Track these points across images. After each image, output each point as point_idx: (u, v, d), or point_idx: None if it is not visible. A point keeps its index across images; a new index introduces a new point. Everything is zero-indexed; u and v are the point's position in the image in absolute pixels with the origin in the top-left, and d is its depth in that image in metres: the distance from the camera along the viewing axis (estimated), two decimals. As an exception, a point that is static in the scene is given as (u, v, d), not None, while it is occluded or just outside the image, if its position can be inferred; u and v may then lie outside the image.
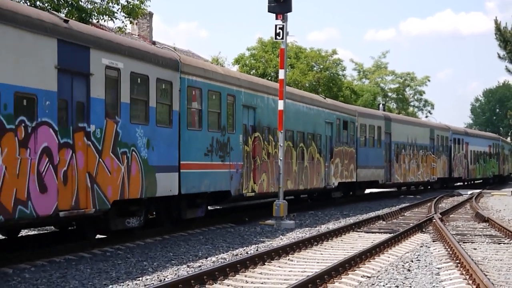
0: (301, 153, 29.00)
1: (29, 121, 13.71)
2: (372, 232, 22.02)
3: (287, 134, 26.51)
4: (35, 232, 19.84)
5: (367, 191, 42.38)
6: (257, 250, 17.14)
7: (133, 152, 17.20)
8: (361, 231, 22.22)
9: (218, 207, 28.76)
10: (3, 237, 17.70)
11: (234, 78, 23.56)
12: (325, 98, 34.32)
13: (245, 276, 13.58)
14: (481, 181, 66.55)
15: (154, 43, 41.21)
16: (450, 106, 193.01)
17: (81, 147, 15.26)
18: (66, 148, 14.80)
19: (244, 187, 23.58)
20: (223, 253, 16.72)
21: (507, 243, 19.44)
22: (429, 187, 51.85)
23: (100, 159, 15.85)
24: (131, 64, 17.13)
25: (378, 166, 39.57)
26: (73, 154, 14.99)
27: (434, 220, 23.90)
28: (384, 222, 25.46)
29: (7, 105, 13.11)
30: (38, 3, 22.99)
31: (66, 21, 15.25)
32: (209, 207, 23.71)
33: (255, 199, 26.83)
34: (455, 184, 58.54)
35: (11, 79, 13.27)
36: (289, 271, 14.34)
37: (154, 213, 21.00)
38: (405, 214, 29.43)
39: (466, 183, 60.64)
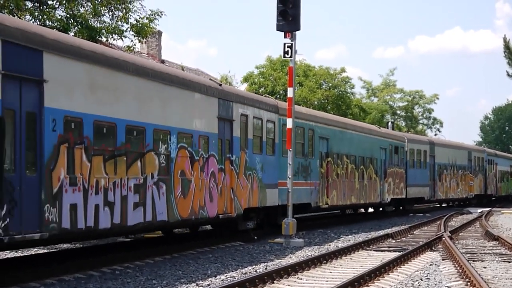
0: (361, 173, 35.00)
1: (205, 154, 20.28)
2: (382, 251, 21.97)
3: (351, 158, 33.53)
4: (45, 251, 19.87)
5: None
6: (266, 268, 17.11)
7: (254, 174, 23.72)
8: (371, 249, 22.17)
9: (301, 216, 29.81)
10: (18, 254, 17.74)
11: (313, 116, 30.30)
12: (379, 128, 41.35)
13: (254, 295, 13.56)
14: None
15: (163, 61, 41.37)
16: (459, 123, 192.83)
17: (228, 170, 21.82)
18: (221, 171, 21.38)
19: (320, 200, 29.76)
20: (232, 271, 16.70)
21: (517, 262, 19.35)
22: (467, 202, 56.25)
23: (238, 179, 22.35)
24: (253, 111, 23.79)
25: (424, 184, 45.80)
26: (224, 176, 21.56)
27: (444, 239, 23.82)
28: (394, 240, 25.40)
29: (196, 143, 19.81)
30: (48, 22, 23.14)
31: (220, 85, 22.45)
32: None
33: (328, 210, 34.13)
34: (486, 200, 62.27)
35: (199, 127, 20.16)
36: (298, 290, 14.31)
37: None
38: (414, 232, 29.35)
39: (494, 198, 66.03)
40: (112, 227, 15.99)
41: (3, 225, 12.60)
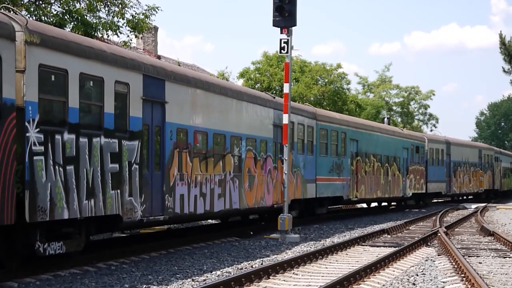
0: (386, 170, 39.49)
1: (264, 155, 24.95)
2: (377, 246, 22.01)
3: (377, 157, 37.89)
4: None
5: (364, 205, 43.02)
6: (262, 264, 17.13)
7: (298, 171, 28.07)
8: (366, 245, 22.21)
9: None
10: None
11: (345, 121, 34.82)
12: (402, 130, 45.85)
13: (250, 290, 13.58)
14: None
15: (159, 57, 41.35)
16: (455, 119, 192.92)
17: (279, 168, 25.88)
18: (275, 169, 25.90)
19: (351, 194, 34.12)
20: (228, 267, 16.72)
21: (513, 257, 19.41)
22: (477, 196, 60.88)
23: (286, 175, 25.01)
24: (297, 118, 27.97)
25: (442, 180, 50.52)
26: (277, 172, 25.95)
27: (439, 234, 23.87)
28: (389, 236, 25.44)
29: (258, 146, 24.33)
30: (44, 18, 23.09)
31: (274, 98, 26.93)
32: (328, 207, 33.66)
33: (357, 203, 39.36)
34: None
35: (260, 133, 24.78)
36: (293, 285, 14.33)
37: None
38: (410, 228, 29.40)
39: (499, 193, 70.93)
40: (204, 212, 20.67)
41: (142, 209, 17.08)
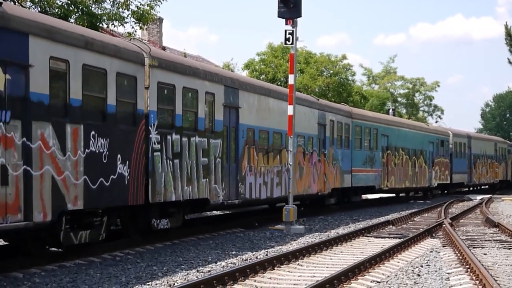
0: (414, 163, 43.28)
1: (310, 149, 29.09)
2: (382, 237, 22.01)
3: (405, 151, 41.93)
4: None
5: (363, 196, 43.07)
6: (266, 255, 17.14)
7: (337, 163, 32.08)
8: (371, 236, 22.22)
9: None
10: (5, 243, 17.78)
11: (377, 118, 39.04)
12: (428, 125, 51.19)
13: (255, 281, 13.60)
14: None
15: (164, 48, 41.31)
16: (460, 111, 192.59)
17: (322, 161, 30.33)
18: (319, 161, 29.90)
19: (382, 184, 38.10)
20: (233, 258, 16.74)
21: (518, 248, 19.40)
22: (492, 186, 64.76)
23: (328, 167, 30.68)
24: (336, 117, 32.36)
25: (464, 171, 54.67)
26: (321, 165, 30.02)
27: (444, 225, 23.86)
28: (394, 227, 25.44)
29: (306, 142, 28.58)
30: (48, 9, 23.07)
31: (318, 100, 31.39)
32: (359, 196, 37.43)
33: (387, 192, 42.15)
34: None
35: (308, 130, 28.90)
36: (298, 276, 14.35)
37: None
38: (414, 219, 29.39)
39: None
40: (266, 198, 25.10)
41: (223, 194, 21.34)
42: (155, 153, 17.72)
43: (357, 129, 35.17)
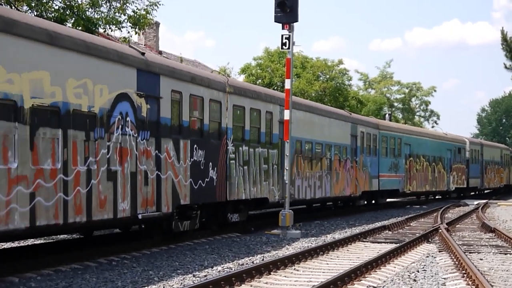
0: (433, 168, 48.04)
1: (345, 157, 33.38)
2: (378, 242, 22.00)
3: (426, 158, 46.62)
4: (42, 241, 19.88)
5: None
6: (263, 259, 17.13)
7: (366, 169, 36.28)
8: (367, 241, 22.21)
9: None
10: (15, 245, 17.78)
11: (401, 129, 43.94)
12: (446, 134, 54.02)
13: (251, 286, 13.59)
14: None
15: (160, 52, 41.30)
16: (456, 116, 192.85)
17: (354, 167, 34.61)
18: (351, 168, 34.25)
19: (405, 187, 42.65)
20: (229, 262, 16.72)
21: (514, 254, 19.39)
22: (497, 190, 68.46)
23: (359, 172, 35.12)
24: (366, 129, 36.74)
25: (477, 176, 59.03)
26: (353, 171, 34.33)
27: (440, 230, 23.86)
28: (390, 232, 25.44)
29: (341, 151, 33.04)
30: (44, 13, 23.05)
31: (350, 114, 35.85)
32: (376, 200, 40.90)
33: (409, 196, 47.66)
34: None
35: (342, 141, 33.30)
36: (294, 281, 14.34)
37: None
38: (411, 224, 29.40)
39: None
40: (310, 198, 29.62)
41: (278, 194, 25.72)
42: (231, 161, 22.52)
43: (383, 139, 39.62)
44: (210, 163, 21.10)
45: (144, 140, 17.52)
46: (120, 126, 16.62)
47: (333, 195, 31.81)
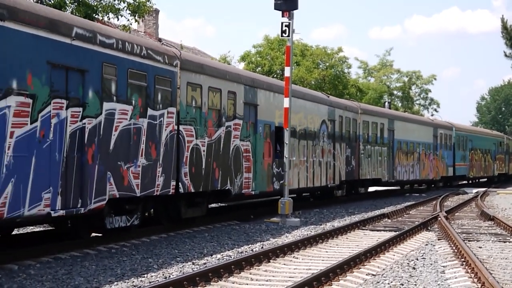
0: (485, 158, 62.47)
1: (429, 151, 47.34)
2: (377, 230, 22.02)
3: (481, 150, 60.78)
4: (41, 229, 19.88)
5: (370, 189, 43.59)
6: (262, 247, 17.15)
7: (444, 160, 49.94)
8: (366, 229, 22.23)
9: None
10: (14, 232, 17.77)
11: (467, 129, 58.97)
12: (492, 131, 71.38)
13: (250, 274, 13.60)
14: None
15: (160, 40, 41.18)
16: (456, 104, 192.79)
17: (435, 159, 48.19)
18: (434, 159, 47.95)
19: (469, 173, 57.99)
20: (228, 250, 16.73)
21: (513, 242, 19.43)
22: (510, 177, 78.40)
23: (438, 162, 49.42)
24: (444, 130, 50.83)
25: (507, 164, 73.65)
26: (434, 161, 47.92)
27: (440, 219, 23.88)
28: (389, 220, 25.46)
29: (426, 147, 46.86)
30: (44, 0, 22.95)
31: (433, 120, 48.82)
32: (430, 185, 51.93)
33: (472, 179, 62.51)
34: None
35: (426, 140, 47.44)
36: (294, 269, 14.35)
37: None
38: (410, 212, 29.41)
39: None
40: (406, 180, 43.16)
41: (387, 176, 38.03)
42: (361, 155, 34.97)
43: (457, 137, 53.32)
44: (352, 157, 34.24)
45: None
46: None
47: (422, 178, 45.39)
